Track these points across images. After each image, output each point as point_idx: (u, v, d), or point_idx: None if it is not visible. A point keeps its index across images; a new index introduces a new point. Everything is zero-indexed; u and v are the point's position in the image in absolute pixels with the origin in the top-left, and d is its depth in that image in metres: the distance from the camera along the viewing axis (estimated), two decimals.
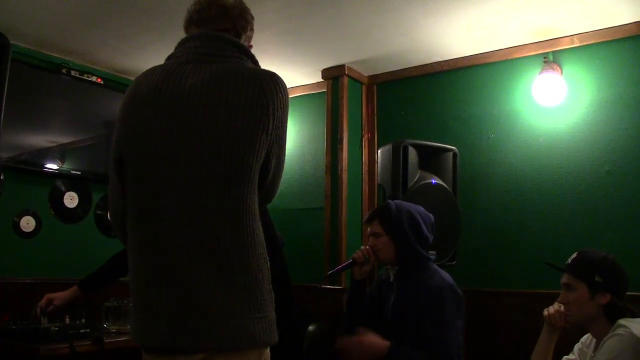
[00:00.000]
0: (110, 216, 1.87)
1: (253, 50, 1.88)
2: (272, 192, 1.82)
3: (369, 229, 2.85)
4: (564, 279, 2.33)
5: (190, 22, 1.89)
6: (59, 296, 3.12)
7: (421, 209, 2.81)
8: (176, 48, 1.87)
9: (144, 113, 1.73)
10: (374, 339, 2.59)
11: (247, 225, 1.62)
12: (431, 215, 2.82)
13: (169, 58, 1.86)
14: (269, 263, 1.68)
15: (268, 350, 1.67)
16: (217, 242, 1.59)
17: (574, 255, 2.35)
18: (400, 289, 2.73)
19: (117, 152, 1.75)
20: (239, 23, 1.87)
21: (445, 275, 2.71)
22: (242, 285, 1.59)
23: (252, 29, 1.95)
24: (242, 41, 1.85)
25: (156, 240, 1.64)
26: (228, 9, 1.85)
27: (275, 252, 2.58)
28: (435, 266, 2.79)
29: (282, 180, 1.83)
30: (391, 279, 2.80)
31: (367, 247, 2.82)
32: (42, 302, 3.09)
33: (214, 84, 1.66)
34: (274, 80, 1.71)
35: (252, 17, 1.94)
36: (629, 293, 2.30)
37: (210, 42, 1.78)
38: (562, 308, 2.36)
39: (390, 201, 2.86)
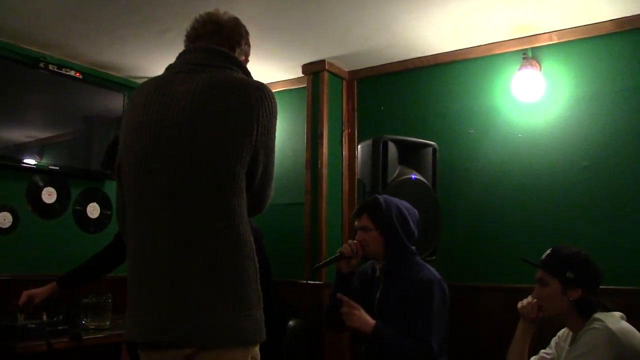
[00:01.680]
0: (116, 217, 1.97)
1: None
2: (263, 197, 1.88)
3: (356, 222, 2.84)
4: (538, 274, 2.37)
5: (188, 39, 1.99)
6: (39, 293, 3.08)
7: (407, 204, 2.84)
8: (175, 61, 1.96)
9: (135, 122, 1.81)
10: (364, 314, 2.64)
11: (234, 227, 1.69)
12: (416, 210, 2.84)
13: (166, 69, 1.93)
14: (257, 264, 1.74)
15: (257, 349, 1.72)
16: (205, 245, 1.66)
17: (548, 251, 2.38)
18: (387, 283, 2.75)
19: (118, 159, 1.86)
20: (233, 37, 1.96)
21: (433, 269, 2.74)
22: (229, 285, 1.66)
23: (247, 44, 2.04)
24: (235, 54, 1.94)
25: (148, 242, 1.72)
26: (222, 25, 1.96)
27: (258, 243, 2.65)
28: (421, 261, 2.81)
29: (272, 188, 1.89)
30: (377, 274, 2.81)
31: (356, 241, 2.81)
32: (21, 300, 3.04)
33: (200, 92, 1.73)
34: (260, 89, 1.78)
35: (247, 32, 2.03)
36: (607, 287, 2.33)
37: (202, 54, 1.87)
38: (535, 301, 2.39)
39: (378, 196, 2.87)
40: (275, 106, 1.82)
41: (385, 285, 2.76)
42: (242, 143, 1.70)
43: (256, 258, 1.75)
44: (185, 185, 1.68)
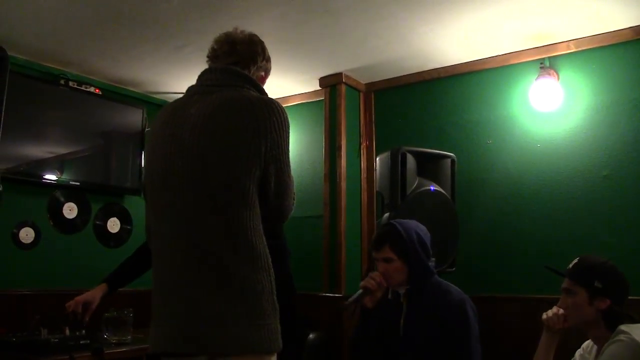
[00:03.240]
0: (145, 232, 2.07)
1: None
2: (283, 209, 1.93)
3: (375, 254, 2.75)
4: (564, 283, 2.34)
5: (209, 59, 2.08)
6: (93, 297, 2.88)
7: (420, 224, 2.78)
8: (195, 82, 2.05)
9: (154, 145, 1.94)
10: None
11: (245, 241, 1.76)
12: (425, 227, 2.79)
13: (186, 91, 2.03)
14: (272, 275, 1.80)
15: (272, 357, 1.77)
16: (217, 259, 1.74)
17: (575, 260, 2.36)
18: (411, 306, 2.68)
19: (143, 180, 2.01)
20: (247, 55, 2.04)
21: (457, 288, 2.70)
22: (241, 297, 1.72)
23: (265, 59, 2.11)
24: (251, 71, 2.02)
25: (165, 257, 1.83)
26: (237, 43, 2.04)
27: (283, 261, 2.79)
28: (440, 279, 2.76)
29: (292, 197, 1.95)
30: (400, 298, 2.74)
31: (378, 272, 2.71)
32: (76, 308, 2.83)
33: (209, 113, 1.83)
34: (268, 105, 1.84)
35: (264, 49, 2.11)
36: (631, 297, 2.30)
37: (215, 74, 1.96)
38: (560, 311, 2.36)
39: (394, 222, 2.78)
40: (285, 120, 1.87)
41: (409, 309, 2.69)
42: (251, 159, 1.77)
43: (272, 270, 1.80)
44: (197, 202, 1.78)
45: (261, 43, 2.10)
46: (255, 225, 1.79)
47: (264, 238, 1.82)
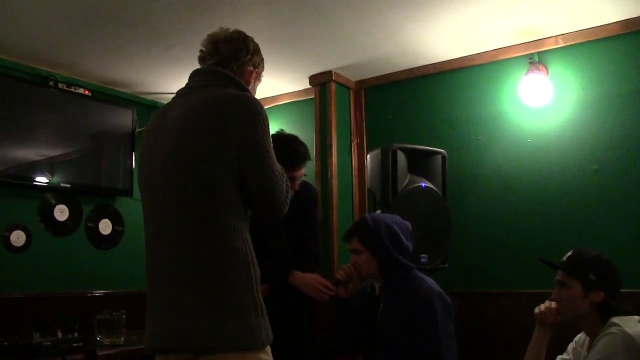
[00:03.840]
0: None
1: None
2: (271, 202, 1.91)
3: (348, 246, 2.80)
4: (558, 276, 2.35)
5: (199, 62, 2.12)
6: None
7: (398, 218, 2.78)
8: None
9: (141, 148, 2.03)
10: None
11: (224, 237, 1.79)
12: (408, 223, 2.78)
13: (176, 93, 2.09)
14: (255, 272, 1.82)
15: (259, 355, 1.78)
16: (196, 257, 1.79)
17: (569, 253, 2.37)
18: (387, 300, 2.70)
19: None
20: (229, 52, 2.05)
21: (432, 282, 2.69)
22: (219, 295, 1.76)
23: (250, 53, 2.10)
24: (234, 68, 2.04)
25: (153, 256, 1.90)
26: (219, 42, 2.07)
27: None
28: (420, 274, 2.75)
29: (281, 190, 1.91)
30: (377, 293, 2.77)
31: (349, 264, 2.78)
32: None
33: (184, 114, 1.89)
34: (238, 101, 1.86)
35: (247, 44, 2.10)
36: (622, 290, 2.31)
37: (198, 76, 2.02)
38: (553, 305, 2.37)
39: (366, 215, 2.85)
40: (258, 114, 1.86)
41: (385, 303, 2.70)
42: (223, 158, 1.80)
43: (255, 267, 1.82)
44: (176, 201, 1.83)
45: (244, 38, 2.11)
46: (235, 223, 1.81)
47: (245, 235, 1.84)
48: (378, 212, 3.28)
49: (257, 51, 2.14)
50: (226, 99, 1.87)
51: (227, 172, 1.80)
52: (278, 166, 1.91)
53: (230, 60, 2.04)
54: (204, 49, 2.09)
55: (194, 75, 2.03)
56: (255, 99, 1.91)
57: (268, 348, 1.81)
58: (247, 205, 1.89)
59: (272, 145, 1.89)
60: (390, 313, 2.67)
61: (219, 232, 1.79)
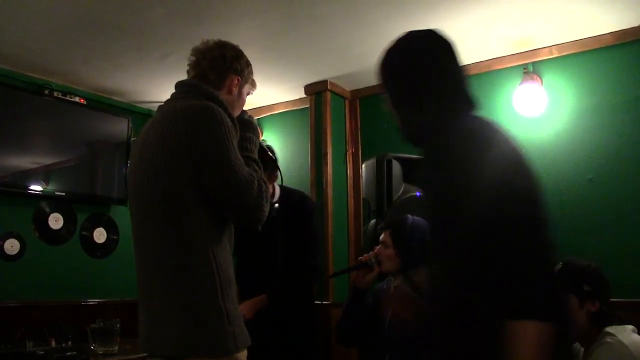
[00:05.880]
0: None
1: None
2: (243, 207, 1.88)
3: (381, 236, 2.79)
4: None
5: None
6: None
7: None
8: None
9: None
10: None
11: (185, 246, 1.81)
12: None
13: None
14: (221, 279, 1.82)
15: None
16: (164, 265, 1.83)
17: (559, 265, 2.36)
18: None
19: None
20: (205, 63, 2.07)
21: None
22: (179, 303, 1.79)
23: (228, 61, 2.09)
24: (210, 78, 2.05)
25: (136, 264, 1.94)
26: (198, 54, 2.09)
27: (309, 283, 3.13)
28: None
29: (249, 195, 1.86)
30: (392, 291, 2.76)
31: (374, 252, 2.78)
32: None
33: (152, 128, 1.93)
34: (191, 110, 1.87)
35: (223, 52, 2.09)
36: (616, 299, 2.31)
37: (176, 90, 2.06)
38: None
39: (408, 216, 2.79)
40: (216, 121, 1.85)
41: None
42: (180, 165, 1.81)
43: (221, 274, 1.82)
44: (145, 210, 1.89)
45: (221, 47, 2.10)
46: (196, 231, 1.82)
47: (211, 243, 1.83)
48: (372, 222, 3.28)
49: (236, 57, 2.12)
50: (181, 110, 1.87)
51: (184, 180, 1.80)
52: (245, 170, 1.87)
53: (206, 71, 2.06)
54: (188, 62, 2.11)
55: (175, 89, 2.07)
56: (211, 106, 1.88)
57: (242, 354, 1.82)
58: (215, 214, 1.86)
59: (233, 148, 1.86)
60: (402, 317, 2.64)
61: (181, 242, 1.81)
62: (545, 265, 1.42)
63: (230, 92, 2.08)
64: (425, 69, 1.74)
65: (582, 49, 3.53)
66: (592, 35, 3.47)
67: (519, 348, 1.35)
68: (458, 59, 1.78)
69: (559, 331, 1.35)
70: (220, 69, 2.07)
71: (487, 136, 1.54)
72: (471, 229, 1.44)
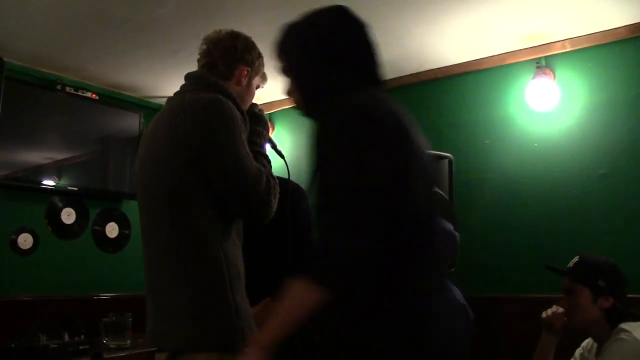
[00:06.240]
0: None
1: None
2: (247, 206, 1.85)
3: None
4: (566, 283, 2.33)
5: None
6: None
7: (449, 226, 2.71)
8: None
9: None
10: None
11: (193, 240, 1.79)
12: (457, 234, 2.74)
13: None
14: (230, 274, 1.80)
15: (232, 357, 1.70)
16: (171, 261, 1.82)
17: (576, 259, 2.35)
18: None
19: None
20: (216, 54, 2.04)
21: (459, 294, 2.64)
22: (187, 297, 1.78)
23: (240, 52, 2.06)
24: (220, 70, 2.02)
25: (144, 256, 1.93)
26: (209, 44, 2.07)
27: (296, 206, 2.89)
28: (449, 284, 2.68)
29: (259, 190, 1.83)
30: None
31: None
32: None
33: (160, 119, 1.92)
34: (200, 104, 1.83)
35: (234, 43, 2.07)
36: (631, 295, 2.30)
37: (185, 82, 2.03)
38: (560, 310, 2.36)
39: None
40: (225, 114, 1.82)
41: None
42: (188, 158, 1.78)
43: (229, 267, 1.80)
44: (153, 203, 1.87)
45: (233, 38, 2.07)
46: (209, 225, 1.80)
47: (218, 237, 1.81)
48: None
49: (247, 49, 2.09)
50: (192, 102, 1.84)
51: (192, 176, 1.78)
52: (254, 165, 1.84)
53: (216, 62, 2.03)
54: (199, 51, 2.08)
55: (184, 80, 2.03)
56: (220, 98, 1.85)
57: None
58: (223, 208, 1.83)
59: (242, 142, 1.83)
60: None
61: (189, 236, 1.79)
62: (352, 235, 1.37)
63: (239, 82, 2.06)
64: (329, 42, 1.71)
65: (595, 43, 3.49)
66: (606, 29, 3.43)
67: (283, 300, 1.40)
68: (368, 37, 1.80)
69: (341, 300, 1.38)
70: (230, 59, 2.04)
71: (368, 112, 1.51)
72: (317, 199, 1.48)
